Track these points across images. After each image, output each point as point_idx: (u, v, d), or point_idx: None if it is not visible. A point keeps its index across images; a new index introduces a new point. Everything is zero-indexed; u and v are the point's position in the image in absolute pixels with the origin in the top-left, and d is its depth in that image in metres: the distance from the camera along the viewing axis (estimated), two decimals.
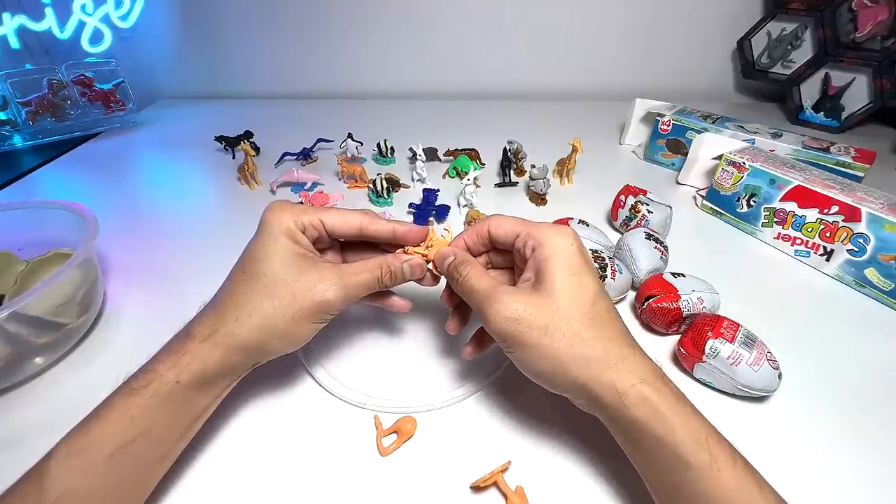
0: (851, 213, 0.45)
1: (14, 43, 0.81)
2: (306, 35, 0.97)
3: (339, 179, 0.68)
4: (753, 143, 0.62)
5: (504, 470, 0.29)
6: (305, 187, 0.65)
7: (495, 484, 0.29)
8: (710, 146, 0.63)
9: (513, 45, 0.98)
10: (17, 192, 0.67)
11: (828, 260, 0.48)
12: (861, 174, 0.57)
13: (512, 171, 0.66)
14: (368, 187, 0.63)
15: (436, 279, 0.34)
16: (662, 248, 0.45)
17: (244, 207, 0.62)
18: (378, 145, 0.73)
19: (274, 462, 0.31)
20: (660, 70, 0.99)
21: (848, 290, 0.47)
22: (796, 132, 0.66)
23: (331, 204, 0.61)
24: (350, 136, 0.70)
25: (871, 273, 0.45)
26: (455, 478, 0.30)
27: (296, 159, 0.74)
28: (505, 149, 0.66)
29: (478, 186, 0.64)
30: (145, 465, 0.27)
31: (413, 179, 0.66)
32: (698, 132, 0.66)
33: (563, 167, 0.65)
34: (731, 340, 0.34)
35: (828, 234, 0.48)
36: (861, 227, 0.45)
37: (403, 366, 0.39)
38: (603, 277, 0.41)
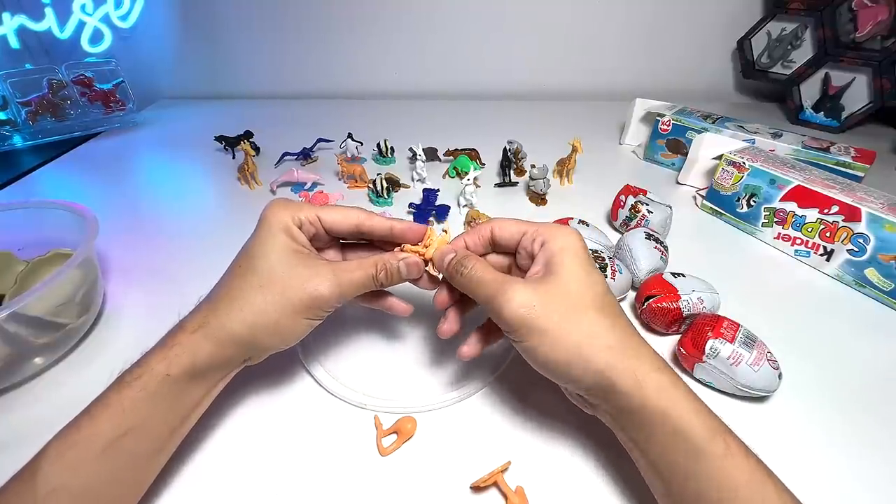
0: (851, 213, 0.45)
1: (14, 43, 0.81)
2: (306, 35, 0.97)
3: (339, 179, 0.68)
4: (753, 143, 0.62)
5: (504, 470, 0.29)
6: (305, 187, 0.65)
7: (495, 484, 0.29)
8: (710, 146, 0.63)
9: (513, 45, 0.98)
10: (17, 192, 0.67)
11: (828, 260, 0.48)
12: (861, 174, 0.57)
13: (512, 171, 0.66)
14: (368, 187, 0.63)
15: (434, 282, 0.34)
16: (662, 248, 0.45)
17: (244, 207, 0.62)
18: (378, 145, 0.73)
19: (274, 462, 0.31)
20: (660, 70, 0.99)
21: (848, 290, 0.47)
22: (796, 132, 0.66)
23: (331, 204, 0.61)
24: (350, 136, 0.70)
25: (871, 273, 0.45)
26: (455, 478, 0.30)
27: (296, 159, 0.74)
28: (505, 149, 0.66)
29: (478, 186, 0.64)
30: (138, 460, 0.26)
31: (413, 179, 0.66)
32: (698, 132, 0.66)
33: (563, 167, 0.65)
34: (731, 340, 0.34)
35: (828, 234, 0.48)
36: (861, 227, 0.45)
37: (403, 366, 0.39)
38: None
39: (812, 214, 0.49)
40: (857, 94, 0.81)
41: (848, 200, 0.46)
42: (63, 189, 0.69)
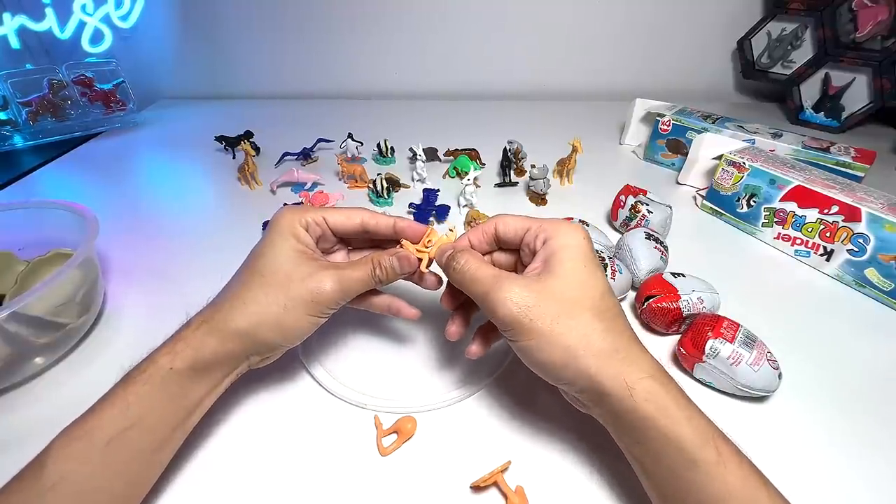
0: (851, 213, 0.45)
1: (14, 43, 0.81)
2: (306, 35, 0.97)
3: (340, 179, 0.68)
4: (753, 143, 0.62)
5: (504, 470, 0.29)
6: (305, 187, 0.65)
7: (495, 484, 0.29)
8: (710, 146, 0.63)
9: (513, 45, 0.98)
10: (17, 192, 0.67)
11: (828, 260, 0.48)
12: (861, 174, 0.57)
13: (512, 171, 0.66)
14: (368, 187, 0.63)
15: (436, 281, 0.34)
16: (662, 248, 0.45)
17: (244, 207, 0.62)
18: (378, 145, 0.73)
19: (274, 462, 0.31)
20: (660, 70, 0.99)
21: (848, 290, 0.47)
22: (796, 132, 0.66)
23: (331, 204, 0.61)
24: (350, 136, 0.70)
25: (871, 273, 0.45)
26: (455, 478, 0.30)
27: (296, 159, 0.74)
28: (505, 149, 0.66)
29: (478, 186, 0.64)
30: (142, 454, 0.27)
31: (413, 179, 0.66)
32: (698, 132, 0.66)
33: (563, 167, 0.65)
34: (731, 340, 0.34)
35: (828, 234, 0.48)
36: (861, 227, 0.45)
37: (403, 366, 0.39)
38: None
39: (812, 214, 0.49)
40: (857, 94, 0.81)
41: (848, 200, 0.46)
42: (63, 189, 0.69)
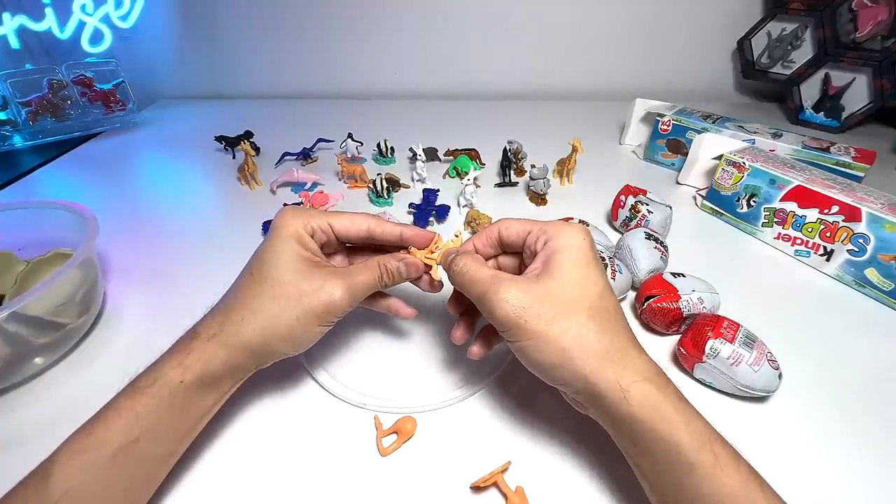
0: (851, 213, 0.45)
1: (14, 43, 0.81)
2: (306, 35, 0.97)
3: (339, 179, 0.68)
4: (753, 143, 0.62)
5: (504, 470, 0.29)
6: (305, 187, 0.65)
7: (495, 484, 0.29)
8: (710, 146, 0.63)
9: (513, 45, 0.98)
10: (17, 192, 0.67)
11: (828, 260, 0.48)
12: (861, 174, 0.57)
13: (512, 171, 0.66)
14: (368, 187, 0.63)
15: (437, 285, 0.34)
16: (662, 248, 0.45)
17: (244, 207, 0.62)
18: (378, 145, 0.73)
19: (273, 462, 0.31)
20: (660, 70, 0.99)
21: (848, 290, 0.47)
22: (796, 132, 0.66)
23: (331, 204, 0.61)
24: (350, 136, 0.70)
25: (871, 273, 0.45)
26: (455, 478, 0.30)
27: (296, 159, 0.74)
28: (505, 149, 0.66)
29: (478, 186, 0.64)
30: (149, 465, 0.27)
31: (413, 179, 0.66)
32: (698, 132, 0.66)
33: (563, 167, 0.65)
34: (731, 340, 0.34)
35: (828, 234, 0.48)
36: (861, 227, 0.45)
37: (403, 366, 0.39)
38: None
39: (812, 214, 0.49)
40: (857, 94, 0.81)
41: (848, 200, 0.46)
42: (63, 189, 0.69)
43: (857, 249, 0.46)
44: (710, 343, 0.35)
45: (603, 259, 0.42)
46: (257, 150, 0.75)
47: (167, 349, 0.28)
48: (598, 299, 0.27)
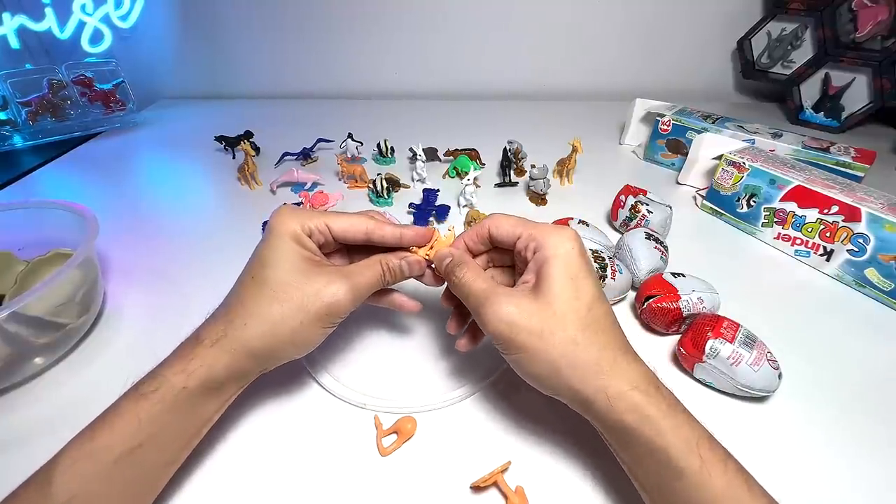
0: (851, 213, 0.45)
1: (14, 43, 0.81)
2: (306, 35, 0.97)
3: (339, 179, 0.68)
4: (753, 143, 0.62)
5: (504, 470, 0.29)
6: (305, 187, 0.65)
7: (495, 484, 0.29)
8: (710, 146, 0.63)
9: (513, 45, 0.98)
10: (17, 192, 0.67)
11: (828, 260, 0.48)
12: (861, 174, 0.57)
13: (512, 171, 0.66)
14: (368, 187, 0.63)
15: (439, 279, 0.34)
16: (662, 248, 0.45)
17: (244, 207, 0.62)
18: (378, 145, 0.73)
19: (273, 462, 0.31)
20: (660, 70, 0.99)
21: (848, 290, 0.47)
22: (796, 132, 0.66)
23: (331, 204, 0.61)
24: (350, 136, 0.70)
25: (871, 273, 0.45)
26: (455, 478, 0.30)
27: (296, 159, 0.74)
28: (505, 149, 0.66)
29: (478, 186, 0.64)
30: (151, 471, 0.27)
31: (413, 179, 0.66)
32: (698, 132, 0.66)
33: (563, 167, 0.65)
34: (731, 340, 0.34)
35: (828, 234, 0.48)
36: (861, 227, 0.45)
37: (403, 366, 0.39)
38: (603, 277, 0.41)
39: (812, 214, 0.49)
40: (857, 94, 0.81)
41: (848, 200, 0.46)
42: (63, 189, 0.69)
43: (856, 249, 0.46)
44: (710, 343, 0.35)
45: (603, 259, 0.42)
46: (257, 150, 0.75)
47: (170, 354, 0.28)
48: (588, 311, 0.27)
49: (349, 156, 0.71)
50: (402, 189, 0.64)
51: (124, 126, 0.88)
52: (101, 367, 0.39)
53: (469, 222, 0.55)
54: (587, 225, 0.49)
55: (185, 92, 1.05)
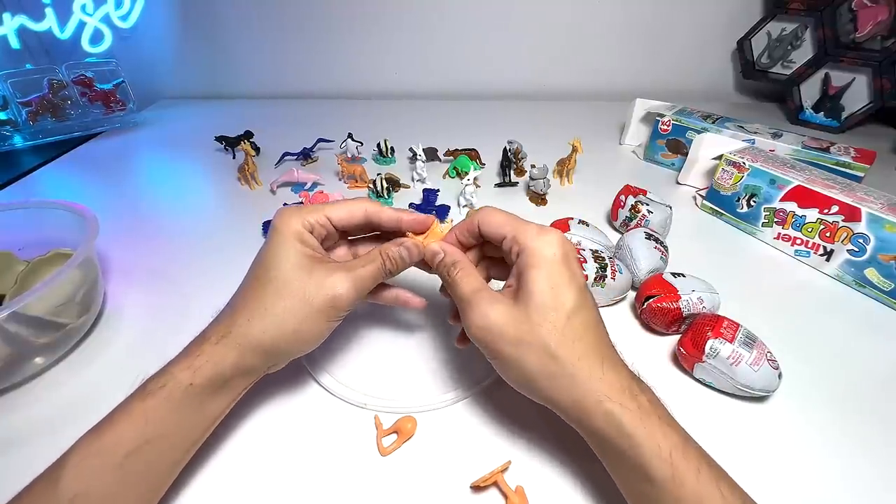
0: (851, 213, 0.45)
1: (14, 43, 0.81)
2: (307, 35, 0.97)
3: (339, 179, 0.68)
4: (753, 143, 0.62)
5: (504, 470, 0.29)
6: (305, 187, 0.65)
7: (495, 484, 0.29)
8: (710, 146, 0.63)
9: (513, 45, 0.98)
10: (17, 192, 0.67)
11: (828, 260, 0.48)
12: (861, 174, 0.57)
13: (512, 171, 0.66)
14: (368, 187, 0.63)
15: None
16: (662, 248, 0.45)
17: (244, 207, 0.62)
18: (378, 145, 0.73)
19: (274, 462, 0.31)
20: (660, 70, 0.99)
21: (848, 290, 0.47)
22: (796, 132, 0.66)
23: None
24: (350, 136, 0.70)
25: (871, 273, 0.45)
26: (455, 478, 0.30)
27: (296, 159, 0.74)
28: (505, 149, 0.66)
29: (478, 186, 0.64)
30: (159, 468, 0.27)
31: (413, 179, 0.66)
32: (698, 132, 0.66)
33: (563, 167, 0.65)
34: (731, 340, 0.34)
35: (828, 234, 0.48)
36: (861, 227, 0.45)
37: (403, 366, 0.39)
38: (603, 277, 0.41)
39: (812, 214, 0.49)
40: (857, 94, 0.81)
41: (848, 200, 0.46)
42: (63, 189, 0.69)
43: (856, 249, 0.46)
44: (709, 343, 0.35)
45: (602, 259, 0.42)
46: (257, 150, 0.75)
47: (177, 353, 0.28)
48: (567, 321, 0.26)
49: (349, 156, 0.71)
50: (402, 189, 0.64)
51: (124, 126, 0.88)
52: (102, 367, 0.39)
53: None
54: (587, 225, 0.49)
55: (185, 92, 1.05)
